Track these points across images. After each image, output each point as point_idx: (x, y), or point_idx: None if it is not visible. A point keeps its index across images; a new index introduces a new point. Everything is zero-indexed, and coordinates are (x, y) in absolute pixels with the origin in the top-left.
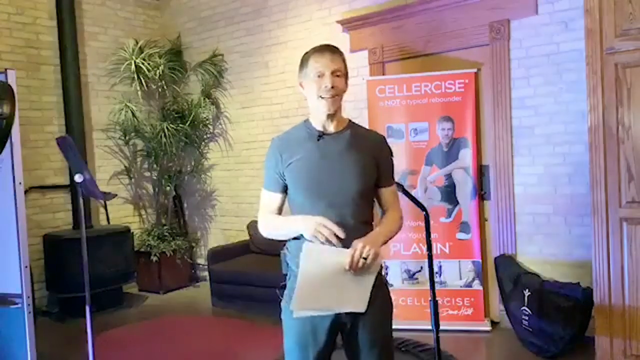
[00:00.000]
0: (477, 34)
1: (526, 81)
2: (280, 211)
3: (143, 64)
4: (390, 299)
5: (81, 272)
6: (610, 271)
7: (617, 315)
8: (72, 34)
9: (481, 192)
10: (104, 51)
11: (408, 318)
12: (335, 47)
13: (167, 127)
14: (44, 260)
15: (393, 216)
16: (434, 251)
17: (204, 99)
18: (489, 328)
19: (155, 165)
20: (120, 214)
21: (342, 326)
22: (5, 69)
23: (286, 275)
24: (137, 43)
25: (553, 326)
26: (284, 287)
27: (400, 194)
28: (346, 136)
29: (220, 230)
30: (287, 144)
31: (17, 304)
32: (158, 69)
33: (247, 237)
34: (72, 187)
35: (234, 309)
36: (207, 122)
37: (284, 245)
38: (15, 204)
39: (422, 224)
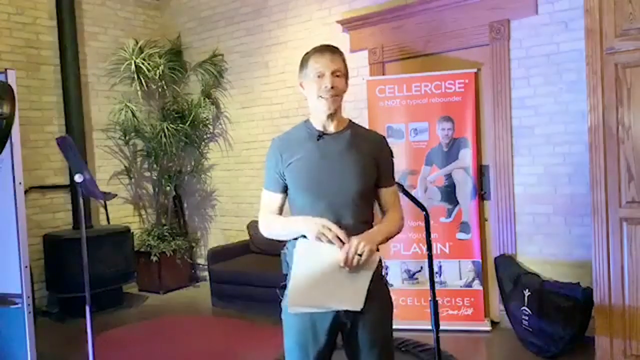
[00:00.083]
0: (477, 34)
1: (526, 81)
2: (280, 211)
3: (143, 64)
4: (391, 298)
5: (81, 272)
6: (610, 271)
7: (617, 315)
8: (72, 34)
9: (481, 192)
10: (104, 51)
11: (408, 318)
12: (335, 47)
13: (167, 127)
14: (44, 260)
15: (393, 216)
16: (434, 251)
17: (204, 99)
18: (489, 328)
19: (155, 165)
20: (120, 214)
21: (342, 326)
22: (5, 69)
23: (286, 275)
24: (137, 43)
25: (553, 326)
26: (284, 287)
27: (400, 194)
28: (346, 136)
29: (220, 230)
30: (287, 144)
31: (17, 304)
32: (158, 69)
33: (247, 237)
34: (72, 187)
35: (234, 309)
36: (207, 122)
37: (284, 245)
38: (15, 204)
39: (422, 224)
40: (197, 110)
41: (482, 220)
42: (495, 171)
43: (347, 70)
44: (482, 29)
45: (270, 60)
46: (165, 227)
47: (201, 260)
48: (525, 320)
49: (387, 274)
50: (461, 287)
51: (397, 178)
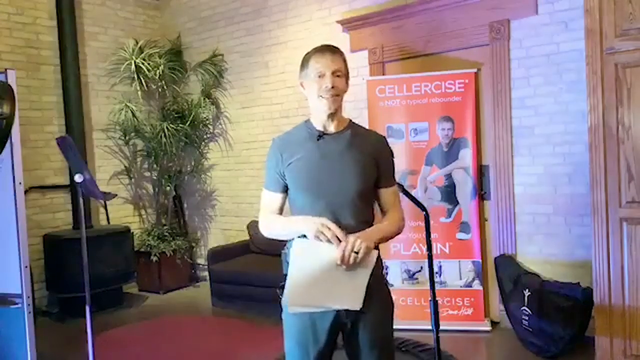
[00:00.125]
0: (477, 34)
1: (526, 81)
2: (281, 211)
3: (143, 64)
4: (391, 298)
5: (81, 272)
6: (610, 271)
7: (617, 315)
8: (72, 34)
9: (481, 192)
10: (104, 51)
11: (408, 318)
12: (336, 47)
13: (167, 127)
14: (44, 260)
15: (393, 216)
16: (434, 251)
17: (204, 99)
18: (489, 328)
19: (155, 165)
20: (120, 214)
21: (342, 326)
22: (5, 69)
23: (286, 275)
24: (137, 43)
25: (553, 326)
26: (284, 286)
27: (400, 194)
28: (346, 136)
29: (220, 230)
30: (287, 144)
31: (17, 304)
32: (158, 69)
33: (247, 237)
34: (72, 187)
35: (234, 309)
36: (207, 122)
37: (285, 245)
38: (15, 204)
39: (422, 224)
40: (197, 110)
41: (482, 220)
42: (495, 171)
43: (347, 71)
44: (482, 29)
45: (270, 60)
46: (165, 227)
47: (201, 260)
48: (525, 320)
49: (387, 274)
50: (461, 287)
51: (397, 178)
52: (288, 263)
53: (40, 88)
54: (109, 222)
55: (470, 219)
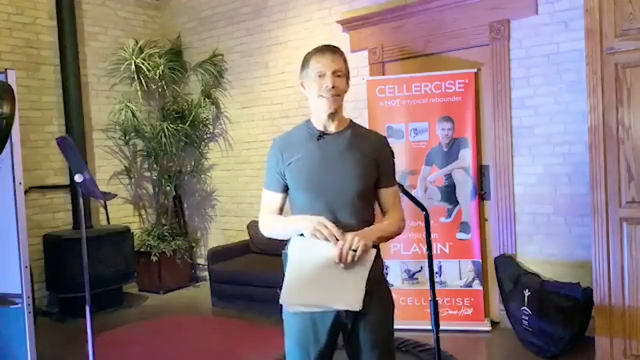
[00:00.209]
0: (477, 34)
1: (526, 81)
2: (281, 211)
3: (143, 64)
4: (392, 298)
5: (81, 272)
6: (610, 271)
7: (617, 315)
8: (72, 34)
9: (481, 192)
10: (104, 51)
11: (408, 318)
12: (336, 47)
13: (167, 127)
14: (44, 260)
15: (393, 216)
16: (434, 251)
17: (204, 99)
18: (489, 328)
19: (155, 165)
20: (120, 214)
21: (343, 326)
22: (5, 69)
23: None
24: (137, 43)
25: (553, 326)
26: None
27: (400, 194)
28: (347, 136)
29: (220, 230)
30: (288, 143)
31: (17, 304)
32: (158, 69)
33: (247, 237)
34: (72, 187)
35: (234, 309)
36: (207, 122)
37: (285, 245)
38: (15, 204)
39: (422, 224)
40: (197, 110)
41: (482, 220)
42: (495, 171)
43: (348, 71)
44: (482, 29)
45: (270, 60)
46: (165, 227)
47: (201, 260)
48: (525, 320)
49: (387, 274)
50: (461, 287)
51: (397, 178)
52: None
53: (40, 88)
54: (109, 222)
55: (470, 219)
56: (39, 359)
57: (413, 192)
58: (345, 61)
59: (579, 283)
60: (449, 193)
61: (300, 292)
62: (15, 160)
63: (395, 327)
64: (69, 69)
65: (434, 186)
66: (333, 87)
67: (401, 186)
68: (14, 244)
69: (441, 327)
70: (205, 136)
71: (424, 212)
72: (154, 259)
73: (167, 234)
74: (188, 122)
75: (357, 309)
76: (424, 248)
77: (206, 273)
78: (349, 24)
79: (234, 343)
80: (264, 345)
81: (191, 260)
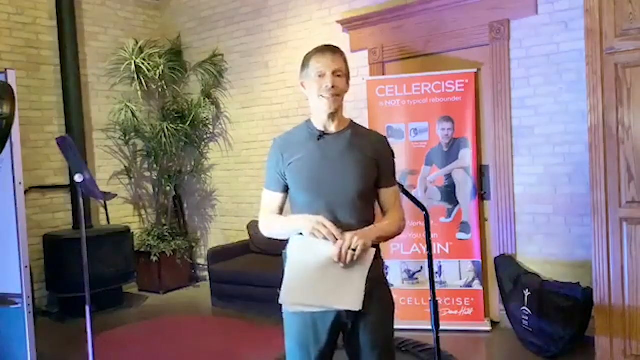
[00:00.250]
0: (477, 34)
1: (526, 81)
2: (281, 211)
3: (143, 64)
4: (392, 298)
5: (81, 272)
6: (610, 271)
7: (617, 315)
8: (72, 34)
9: (481, 192)
10: (104, 51)
11: (408, 318)
12: (336, 47)
13: (167, 127)
14: (44, 260)
15: (393, 216)
16: (434, 251)
17: (204, 99)
18: (489, 328)
19: (155, 165)
20: (120, 214)
21: (343, 326)
22: (5, 69)
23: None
24: (137, 43)
25: (553, 326)
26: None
27: (400, 194)
28: (347, 136)
29: (220, 230)
30: (288, 143)
31: (17, 304)
32: (158, 69)
33: (247, 237)
34: (72, 187)
35: (234, 309)
36: (207, 122)
37: (286, 245)
38: (15, 204)
39: (422, 224)
40: (197, 110)
41: (482, 220)
42: (495, 171)
43: (348, 71)
44: (482, 29)
45: (270, 60)
46: (165, 227)
47: (201, 260)
48: (525, 320)
49: (387, 274)
50: (461, 287)
51: (397, 178)
52: None
53: (40, 88)
54: (109, 222)
55: (470, 219)
56: (39, 359)
57: (413, 192)
58: (345, 61)
59: (579, 283)
60: (449, 193)
61: (300, 292)
62: (15, 160)
63: (395, 327)
64: (69, 69)
65: (434, 186)
66: (333, 87)
67: (401, 186)
68: (14, 244)
69: (441, 327)
70: (205, 136)
71: (424, 212)
72: (154, 259)
73: (167, 234)
74: (188, 122)
75: (357, 309)
76: (424, 248)
77: (206, 273)
78: (349, 24)
79: (234, 343)
80: (264, 345)
81: (191, 260)
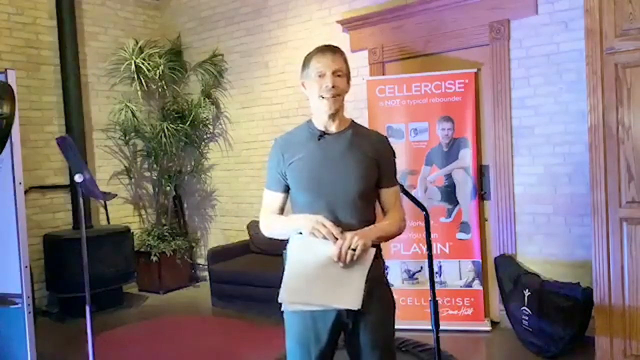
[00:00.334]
0: (477, 34)
1: (526, 81)
2: (282, 211)
3: (143, 64)
4: (393, 298)
5: (81, 272)
6: (610, 271)
7: (617, 315)
8: (72, 34)
9: (481, 192)
10: (104, 51)
11: (408, 318)
12: (336, 47)
13: (167, 127)
14: (44, 260)
15: (393, 216)
16: (434, 251)
17: (204, 99)
18: (489, 328)
19: (155, 165)
20: (120, 214)
21: (344, 326)
22: (5, 69)
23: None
24: (137, 43)
25: (553, 326)
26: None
27: (400, 193)
28: (348, 136)
29: (220, 230)
30: (289, 143)
31: (17, 304)
32: (158, 69)
33: (247, 237)
34: (72, 187)
35: (234, 309)
36: (207, 122)
37: (286, 245)
38: (15, 204)
39: (422, 224)
40: (197, 110)
41: (482, 220)
42: (495, 171)
43: (348, 71)
44: (482, 29)
45: (270, 60)
46: (165, 227)
47: (201, 260)
48: (525, 320)
49: (387, 274)
50: (461, 287)
51: (397, 178)
52: None
53: (40, 88)
54: (109, 222)
55: (470, 219)
56: (39, 359)
57: (413, 192)
58: (345, 61)
59: (579, 283)
60: (449, 193)
61: (299, 291)
62: (15, 160)
63: (395, 327)
64: (69, 69)
65: (434, 186)
66: (333, 86)
67: (401, 186)
68: (14, 244)
69: (441, 327)
70: (205, 136)
71: (424, 212)
72: (154, 259)
73: (167, 234)
74: (188, 122)
75: (356, 308)
76: (424, 248)
77: (206, 273)
78: (349, 24)
79: (234, 343)
80: (264, 345)
81: (191, 260)
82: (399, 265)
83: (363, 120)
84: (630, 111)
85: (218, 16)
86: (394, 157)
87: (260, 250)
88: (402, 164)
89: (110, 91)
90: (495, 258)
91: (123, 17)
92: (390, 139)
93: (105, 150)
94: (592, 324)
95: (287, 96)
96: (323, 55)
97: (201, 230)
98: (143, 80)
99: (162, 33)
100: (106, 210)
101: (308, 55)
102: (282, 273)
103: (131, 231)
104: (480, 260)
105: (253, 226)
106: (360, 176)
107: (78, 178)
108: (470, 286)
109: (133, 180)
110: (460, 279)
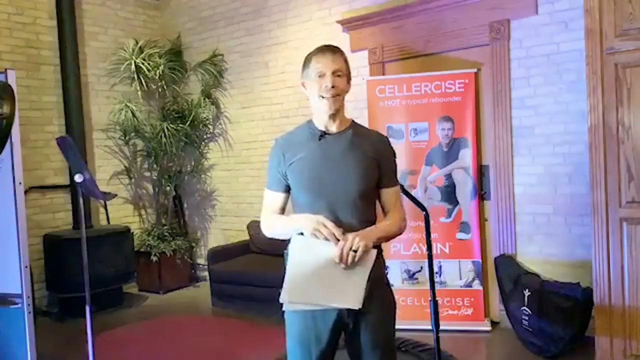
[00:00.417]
0: (477, 34)
1: (526, 81)
2: (282, 211)
3: (143, 64)
4: (394, 299)
5: (81, 272)
6: (610, 271)
7: (617, 315)
8: (72, 34)
9: (481, 192)
10: (104, 51)
11: (408, 318)
12: (337, 47)
13: (167, 127)
14: (44, 260)
15: (394, 217)
16: (434, 251)
17: (204, 99)
18: (489, 328)
19: (155, 165)
20: (120, 214)
21: (344, 326)
22: (5, 69)
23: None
24: (137, 43)
25: (553, 326)
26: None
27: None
28: (348, 136)
29: (220, 230)
30: (290, 144)
31: (17, 304)
32: (158, 69)
33: (247, 237)
34: (72, 187)
35: (234, 309)
36: (207, 122)
37: (287, 245)
38: (15, 204)
39: (422, 224)
40: (197, 110)
41: (482, 220)
42: (495, 171)
43: (349, 70)
44: (482, 29)
45: (270, 60)
46: (165, 227)
47: (201, 260)
48: (525, 320)
49: (387, 273)
50: (461, 287)
51: (397, 178)
52: None
53: (40, 88)
54: (109, 222)
55: (470, 219)
56: (39, 359)
57: (413, 192)
58: (345, 61)
59: (579, 283)
60: (449, 193)
61: (300, 291)
62: (15, 160)
63: (396, 327)
64: (69, 69)
65: (434, 186)
66: (333, 86)
67: (401, 186)
68: (14, 244)
69: (441, 327)
70: (205, 136)
71: (424, 212)
72: (154, 259)
73: (167, 234)
74: (188, 122)
75: (356, 308)
76: (424, 248)
77: (206, 273)
78: (349, 24)
79: (234, 343)
80: (264, 345)
81: (191, 260)
82: (399, 265)
83: (363, 120)
84: (630, 111)
85: (218, 16)
86: (395, 157)
87: (260, 250)
88: (402, 164)
89: (110, 91)
90: (495, 258)
91: (123, 17)
92: (390, 139)
93: (105, 150)
94: (592, 324)
95: (287, 96)
96: (323, 55)
97: (201, 230)
98: (143, 80)
99: (162, 33)
100: (106, 210)
101: (308, 55)
102: (283, 273)
103: (131, 231)
104: (480, 260)
105: (253, 226)
106: (360, 176)
107: (78, 178)
108: (470, 286)
109: (133, 180)
110: (460, 279)
